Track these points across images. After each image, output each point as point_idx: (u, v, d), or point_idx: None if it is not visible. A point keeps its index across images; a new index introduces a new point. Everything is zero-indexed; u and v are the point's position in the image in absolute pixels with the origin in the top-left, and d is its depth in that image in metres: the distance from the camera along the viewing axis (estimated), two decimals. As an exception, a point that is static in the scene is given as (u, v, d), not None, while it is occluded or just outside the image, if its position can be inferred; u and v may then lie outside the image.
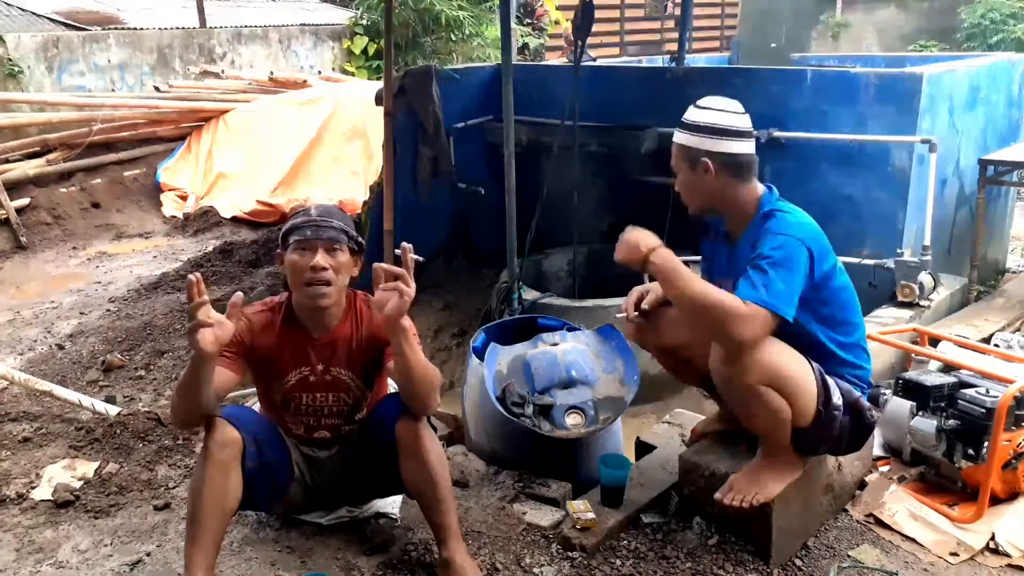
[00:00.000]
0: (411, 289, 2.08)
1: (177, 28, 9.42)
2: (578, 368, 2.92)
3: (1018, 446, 2.67)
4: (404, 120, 5.35)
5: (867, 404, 2.41)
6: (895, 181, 4.51)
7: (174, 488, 2.91)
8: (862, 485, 2.81)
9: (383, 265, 2.09)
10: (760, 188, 2.42)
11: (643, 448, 3.11)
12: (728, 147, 2.35)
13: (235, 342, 2.29)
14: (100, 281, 5.65)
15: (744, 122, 2.39)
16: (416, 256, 2.11)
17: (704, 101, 2.42)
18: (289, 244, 2.28)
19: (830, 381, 2.34)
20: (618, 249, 2.35)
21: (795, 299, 2.19)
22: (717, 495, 2.44)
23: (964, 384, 2.83)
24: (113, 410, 3.44)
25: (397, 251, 2.15)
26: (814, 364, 2.33)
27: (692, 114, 2.41)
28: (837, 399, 2.33)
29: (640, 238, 2.31)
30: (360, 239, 2.37)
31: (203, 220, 7.08)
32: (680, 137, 2.41)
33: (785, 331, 2.27)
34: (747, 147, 2.39)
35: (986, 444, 2.64)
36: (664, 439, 3.10)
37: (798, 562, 2.49)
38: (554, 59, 11.17)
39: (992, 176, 4.99)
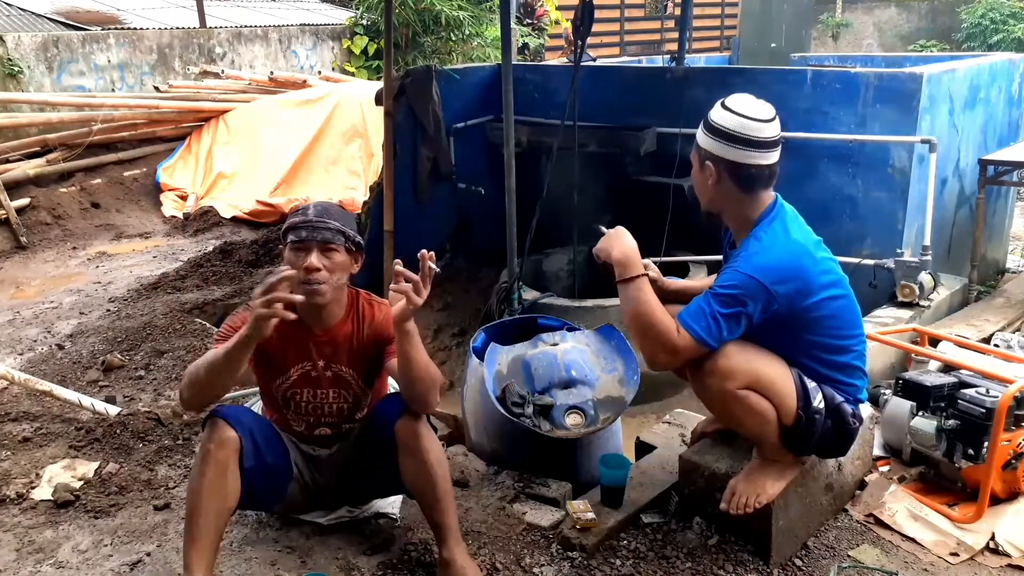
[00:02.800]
0: (419, 299, 2.11)
1: (177, 28, 9.43)
2: (578, 368, 2.92)
3: (1018, 446, 2.67)
4: (404, 120, 5.35)
5: (849, 410, 2.37)
6: (895, 181, 4.51)
7: (174, 488, 2.91)
8: (862, 485, 2.81)
9: (402, 270, 2.11)
10: (767, 201, 2.30)
11: (643, 448, 3.11)
12: (739, 156, 2.22)
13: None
14: (100, 281, 5.65)
15: (766, 131, 2.22)
16: (435, 266, 2.13)
17: (732, 100, 2.27)
18: (287, 243, 2.31)
19: (811, 385, 2.31)
20: (600, 244, 2.38)
21: (729, 333, 2.21)
22: (722, 505, 2.44)
23: (964, 384, 2.83)
24: (113, 410, 3.44)
25: (408, 255, 2.18)
26: (793, 369, 2.31)
27: (715, 112, 2.27)
28: (818, 403, 2.31)
29: (615, 246, 2.34)
30: (358, 237, 2.37)
31: (203, 220, 7.08)
32: (699, 133, 2.31)
33: (771, 348, 2.30)
34: (763, 158, 2.23)
35: (986, 444, 2.64)
36: (664, 439, 3.10)
37: (798, 562, 2.49)
38: (554, 59, 11.17)
39: (992, 176, 4.99)
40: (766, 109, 2.26)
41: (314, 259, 2.26)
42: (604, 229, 2.40)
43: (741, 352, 2.25)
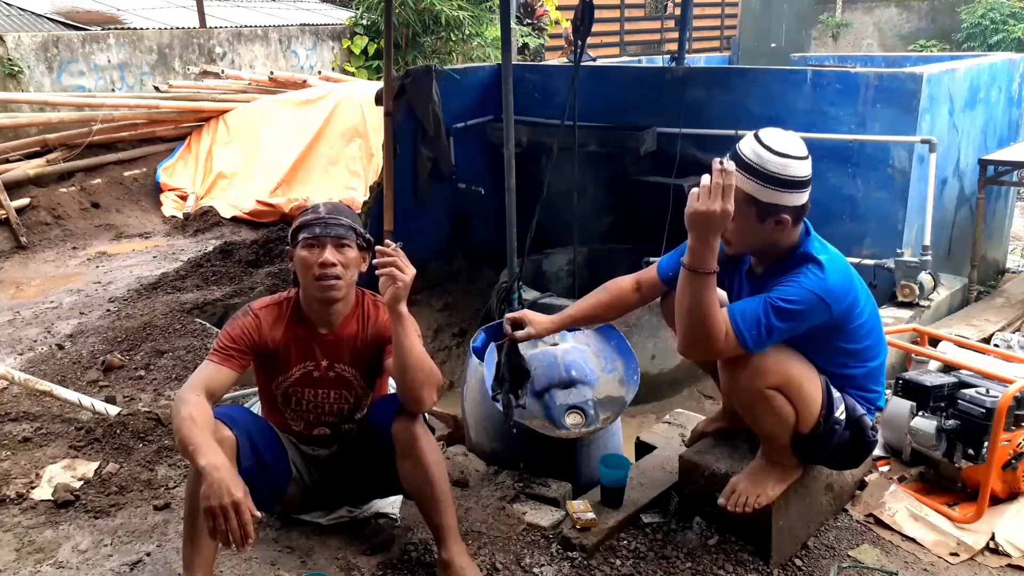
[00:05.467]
0: (406, 275, 2.15)
1: (177, 28, 9.43)
2: (578, 368, 2.92)
3: (1018, 446, 2.68)
4: (404, 120, 5.35)
5: (870, 423, 2.37)
6: (895, 181, 4.51)
7: (174, 488, 2.91)
8: (862, 485, 2.81)
9: (382, 248, 2.18)
10: (800, 225, 2.27)
11: (643, 448, 3.11)
12: (805, 198, 2.18)
13: (243, 338, 2.31)
14: (100, 281, 5.65)
15: (811, 164, 2.19)
16: (391, 242, 2.20)
17: (776, 143, 2.15)
18: (299, 241, 2.31)
19: (836, 394, 2.32)
20: (700, 192, 2.05)
21: (775, 342, 2.19)
22: (720, 501, 2.43)
23: (964, 384, 2.83)
24: (113, 410, 3.44)
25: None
26: (822, 376, 2.31)
27: (769, 162, 2.13)
28: (840, 413, 2.31)
29: (707, 234, 2.07)
30: (368, 235, 2.40)
31: (203, 220, 7.07)
32: (748, 185, 2.13)
33: (802, 350, 2.29)
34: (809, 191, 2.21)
35: (986, 444, 2.64)
36: (664, 439, 3.10)
37: (798, 562, 2.49)
38: (554, 59, 11.16)
39: (992, 176, 5.00)
40: (801, 141, 2.21)
41: (329, 254, 2.28)
42: (717, 170, 2.05)
43: (777, 352, 2.23)
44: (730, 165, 2.07)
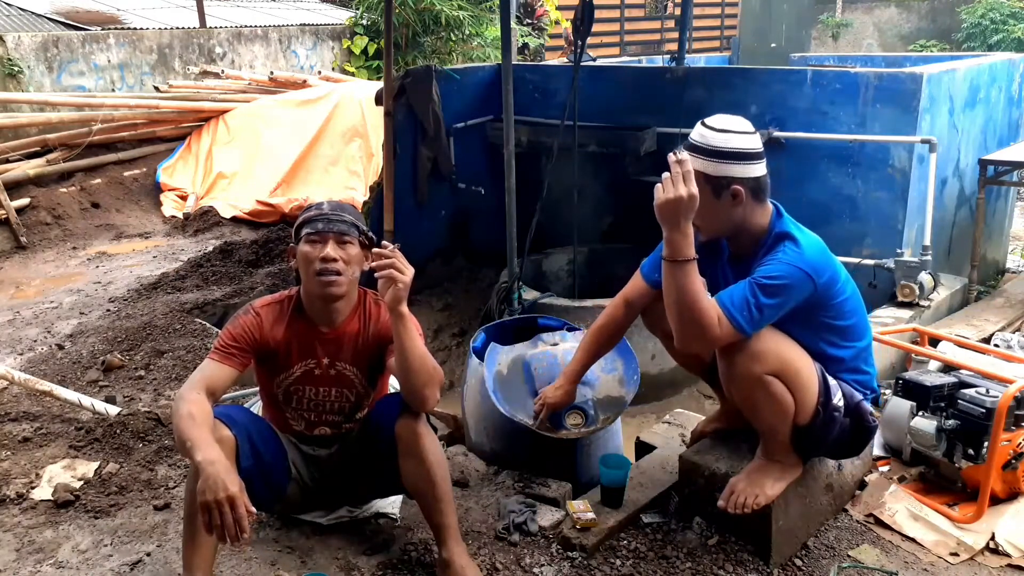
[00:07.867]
0: (404, 275, 2.14)
1: (177, 28, 9.43)
2: (578, 368, 2.92)
3: (1018, 446, 2.67)
4: (404, 120, 5.35)
5: (868, 408, 2.39)
6: (895, 181, 4.51)
7: (174, 488, 2.91)
8: (862, 485, 2.81)
9: (378, 250, 2.18)
10: (770, 207, 2.34)
11: (643, 448, 3.11)
12: (755, 171, 2.26)
13: (244, 336, 2.31)
14: (100, 281, 5.65)
15: (760, 141, 2.31)
16: (388, 243, 2.19)
17: (718, 122, 2.28)
18: (301, 237, 2.33)
19: (832, 382, 2.33)
20: (664, 184, 2.12)
21: (767, 322, 2.23)
22: (720, 503, 2.44)
23: (964, 384, 2.83)
24: (113, 410, 3.44)
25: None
26: (816, 364, 2.32)
27: (711, 138, 2.26)
28: (838, 400, 2.32)
29: (678, 219, 2.12)
30: (371, 233, 2.40)
31: (203, 220, 7.07)
32: (698, 163, 2.22)
33: (791, 334, 2.30)
34: (764, 167, 2.31)
35: (986, 444, 2.64)
36: (664, 439, 3.10)
37: (798, 562, 2.49)
38: (554, 59, 11.17)
39: (992, 176, 5.00)
40: (746, 121, 2.32)
41: (331, 249, 2.29)
42: (677, 157, 2.13)
43: (772, 337, 2.26)
44: (683, 154, 2.18)
